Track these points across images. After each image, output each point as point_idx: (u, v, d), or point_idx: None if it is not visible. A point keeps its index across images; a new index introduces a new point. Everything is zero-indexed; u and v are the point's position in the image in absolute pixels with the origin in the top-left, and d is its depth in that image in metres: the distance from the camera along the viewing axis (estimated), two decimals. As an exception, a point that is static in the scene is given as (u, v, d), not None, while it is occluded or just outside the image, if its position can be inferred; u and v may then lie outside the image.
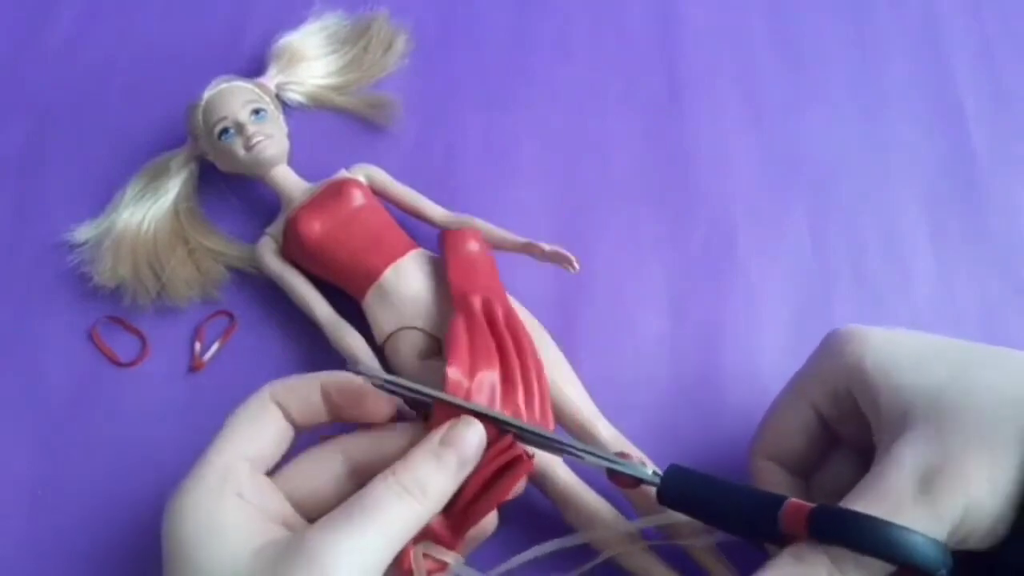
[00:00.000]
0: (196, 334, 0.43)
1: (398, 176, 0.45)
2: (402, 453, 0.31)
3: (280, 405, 0.32)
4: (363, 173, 0.44)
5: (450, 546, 0.33)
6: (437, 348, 0.39)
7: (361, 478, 0.31)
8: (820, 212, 0.46)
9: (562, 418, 0.39)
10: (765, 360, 0.42)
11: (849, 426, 0.33)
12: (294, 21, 0.50)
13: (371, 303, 0.40)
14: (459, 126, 0.49)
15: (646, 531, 0.36)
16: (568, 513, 0.37)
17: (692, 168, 0.47)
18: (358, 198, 0.42)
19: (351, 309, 0.41)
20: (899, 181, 0.47)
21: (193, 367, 0.42)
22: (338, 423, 0.34)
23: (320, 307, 0.42)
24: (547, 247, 0.41)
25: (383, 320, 0.40)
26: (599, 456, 0.32)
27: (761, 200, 0.47)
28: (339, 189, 0.42)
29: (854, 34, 0.51)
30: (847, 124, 0.49)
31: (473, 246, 0.41)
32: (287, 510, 0.31)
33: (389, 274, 0.40)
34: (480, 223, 0.43)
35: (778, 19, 0.52)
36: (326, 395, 0.32)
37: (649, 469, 0.32)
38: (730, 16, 0.52)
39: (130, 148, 0.48)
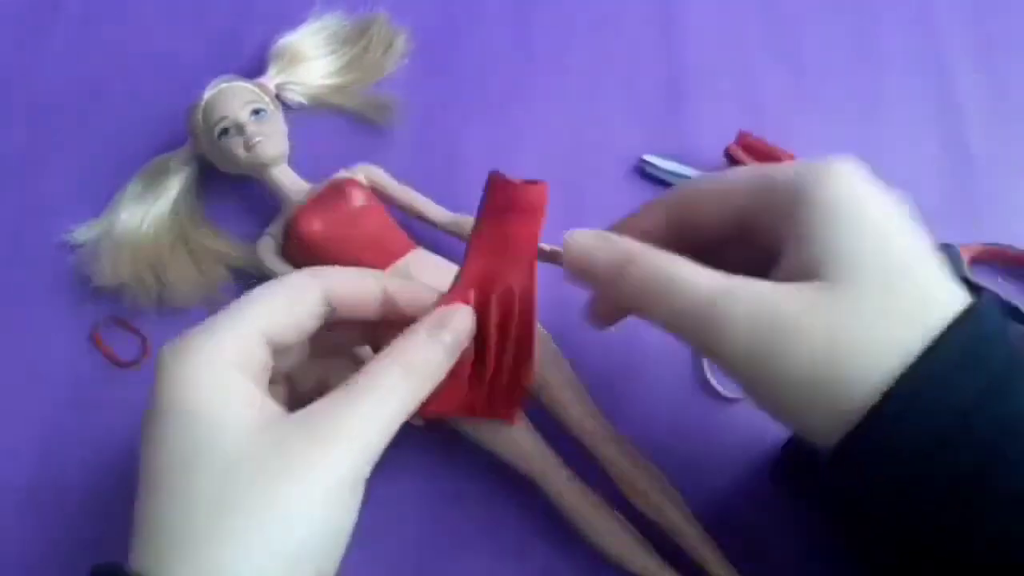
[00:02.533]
0: (196, 334, 0.43)
1: (398, 176, 0.45)
2: (383, 301, 0.32)
3: (325, 290, 0.30)
4: (363, 173, 0.44)
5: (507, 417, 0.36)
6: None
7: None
8: (820, 212, 0.46)
9: (557, 418, 0.39)
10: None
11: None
12: (294, 21, 0.50)
13: (371, 303, 0.40)
14: (459, 126, 0.48)
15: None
16: (565, 511, 0.37)
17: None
18: (358, 198, 0.42)
19: (351, 309, 0.41)
20: (898, 182, 0.47)
21: (193, 367, 0.42)
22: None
23: (320, 307, 0.41)
24: (547, 247, 0.41)
25: (383, 320, 0.40)
26: None
27: (761, 200, 0.46)
28: (339, 189, 0.42)
29: (853, 34, 0.51)
30: (846, 124, 0.49)
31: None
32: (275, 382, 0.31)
33: (389, 274, 0.40)
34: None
35: (778, 19, 0.52)
36: (387, 298, 0.32)
37: None
38: (730, 16, 0.52)
39: (130, 148, 0.48)
